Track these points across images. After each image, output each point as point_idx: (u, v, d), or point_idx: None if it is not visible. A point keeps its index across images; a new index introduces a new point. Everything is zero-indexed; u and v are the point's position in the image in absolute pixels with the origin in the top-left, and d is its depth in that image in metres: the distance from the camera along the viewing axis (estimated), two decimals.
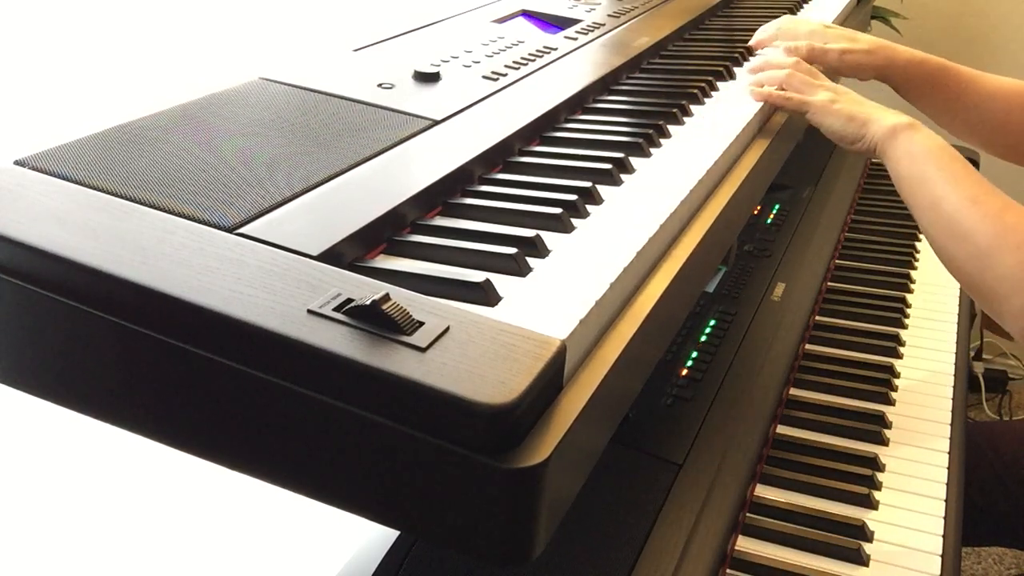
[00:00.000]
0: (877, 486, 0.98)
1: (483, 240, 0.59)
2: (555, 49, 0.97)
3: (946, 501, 0.97)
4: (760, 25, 1.15)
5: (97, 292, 0.49)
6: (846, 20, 1.39)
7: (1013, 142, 1.15)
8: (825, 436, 1.05)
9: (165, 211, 0.55)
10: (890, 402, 1.12)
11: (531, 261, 0.57)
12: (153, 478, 0.80)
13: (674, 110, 0.86)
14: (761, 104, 0.91)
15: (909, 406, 1.12)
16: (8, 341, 0.53)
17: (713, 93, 0.95)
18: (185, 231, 0.53)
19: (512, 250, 0.56)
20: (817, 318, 1.28)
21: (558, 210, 0.63)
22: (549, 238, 0.60)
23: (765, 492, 0.95)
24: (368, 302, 0.46)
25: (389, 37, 0.93)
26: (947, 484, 0.99)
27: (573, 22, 1.08)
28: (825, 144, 1.15)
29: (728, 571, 0.85)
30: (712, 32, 1.20)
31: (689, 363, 1.05)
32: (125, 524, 0.78)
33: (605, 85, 0.93)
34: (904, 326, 1.28)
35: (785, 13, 1.25)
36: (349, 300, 0.47)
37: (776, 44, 1.09)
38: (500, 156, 0.74)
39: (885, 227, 1.55)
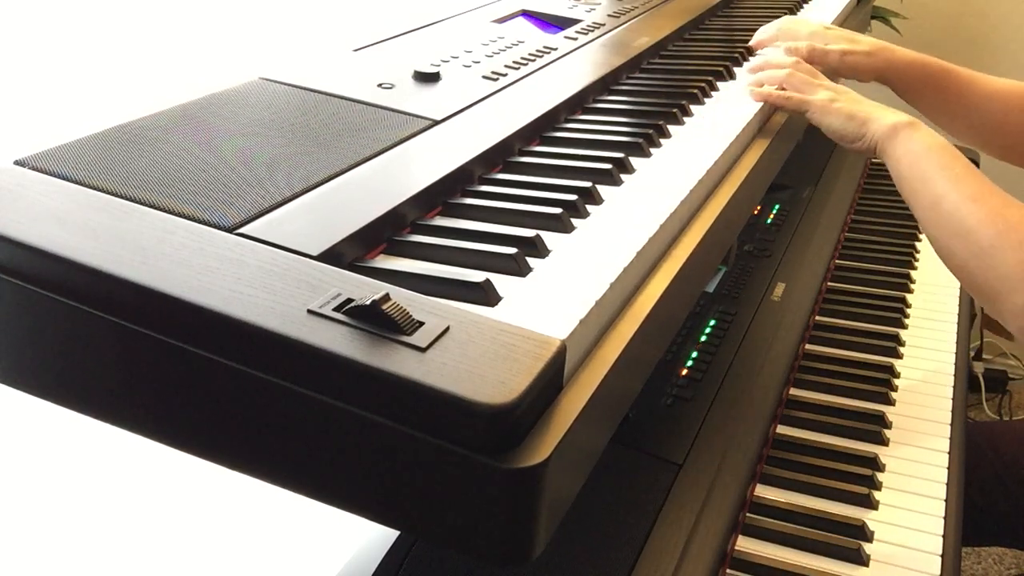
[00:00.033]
0: (877, 486, 0.98)
1: (483, 240, 0.59)
2: (555, 49, 0.97)
3: (946, 501, 0.97)
4: (760, 25, 1.15)
5: (97, 292, 0.49)
6: (846, 20, 1.39)
7: (1011, 143, 1.15)
8: (825, 436, 1.05)
9: (165, 211, 0.55)
10: (890, 402, 1.12)
11: (531, 261, 0.57)
12: (153, 478, 0.80)
13: (674, 110, 0.86)
14: (761, 104, 0.91)
15: (909, 406, 1.12)
16: (8, 341, 0.53)
17: (713, 93, 0.95)
18: (185, 231, 0.53)
19: (512, 250, 0.56)
20: (817, 318, 1.28)
21: (558, 210, 0.63)
22: (549, 238, 0.60)
23: (765, 492, 0.95)
24: (368, 302, 0.46)
25: (389, 37, 0.93)
26: (947, 484, 0.99)
27: (573, 22, 1.08)
28: (825, 144, 1.15)
29: (728, 571, 0.85)
30: (712, 32, 1.20)
31: (689, 363, 1.05)
32: (125, 524, 0.78)
33: (605, 85, 0.93)
34: (904, 326, 1.28)
35: (785, 13, 1.26)
36: (349, 300, 0.47)
37: (776, 44, 1.09)
38: (500, 156, 0.74)
39: (885, 227, 1.55)
